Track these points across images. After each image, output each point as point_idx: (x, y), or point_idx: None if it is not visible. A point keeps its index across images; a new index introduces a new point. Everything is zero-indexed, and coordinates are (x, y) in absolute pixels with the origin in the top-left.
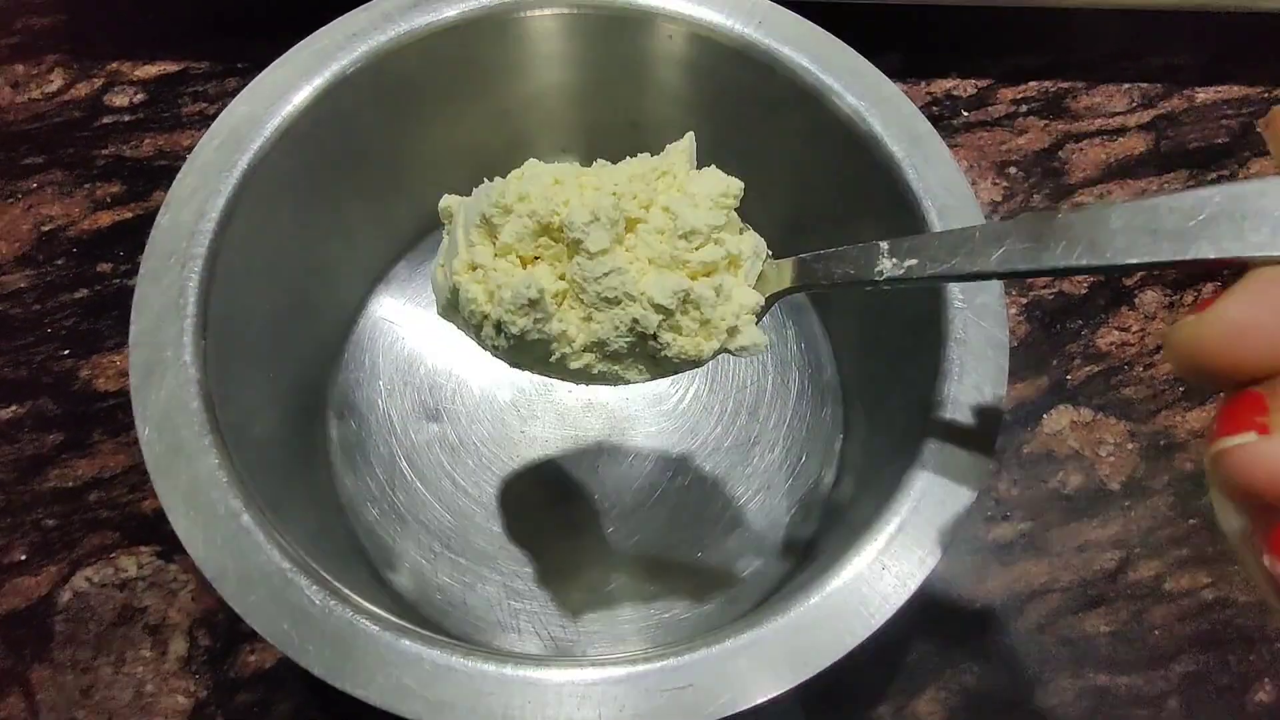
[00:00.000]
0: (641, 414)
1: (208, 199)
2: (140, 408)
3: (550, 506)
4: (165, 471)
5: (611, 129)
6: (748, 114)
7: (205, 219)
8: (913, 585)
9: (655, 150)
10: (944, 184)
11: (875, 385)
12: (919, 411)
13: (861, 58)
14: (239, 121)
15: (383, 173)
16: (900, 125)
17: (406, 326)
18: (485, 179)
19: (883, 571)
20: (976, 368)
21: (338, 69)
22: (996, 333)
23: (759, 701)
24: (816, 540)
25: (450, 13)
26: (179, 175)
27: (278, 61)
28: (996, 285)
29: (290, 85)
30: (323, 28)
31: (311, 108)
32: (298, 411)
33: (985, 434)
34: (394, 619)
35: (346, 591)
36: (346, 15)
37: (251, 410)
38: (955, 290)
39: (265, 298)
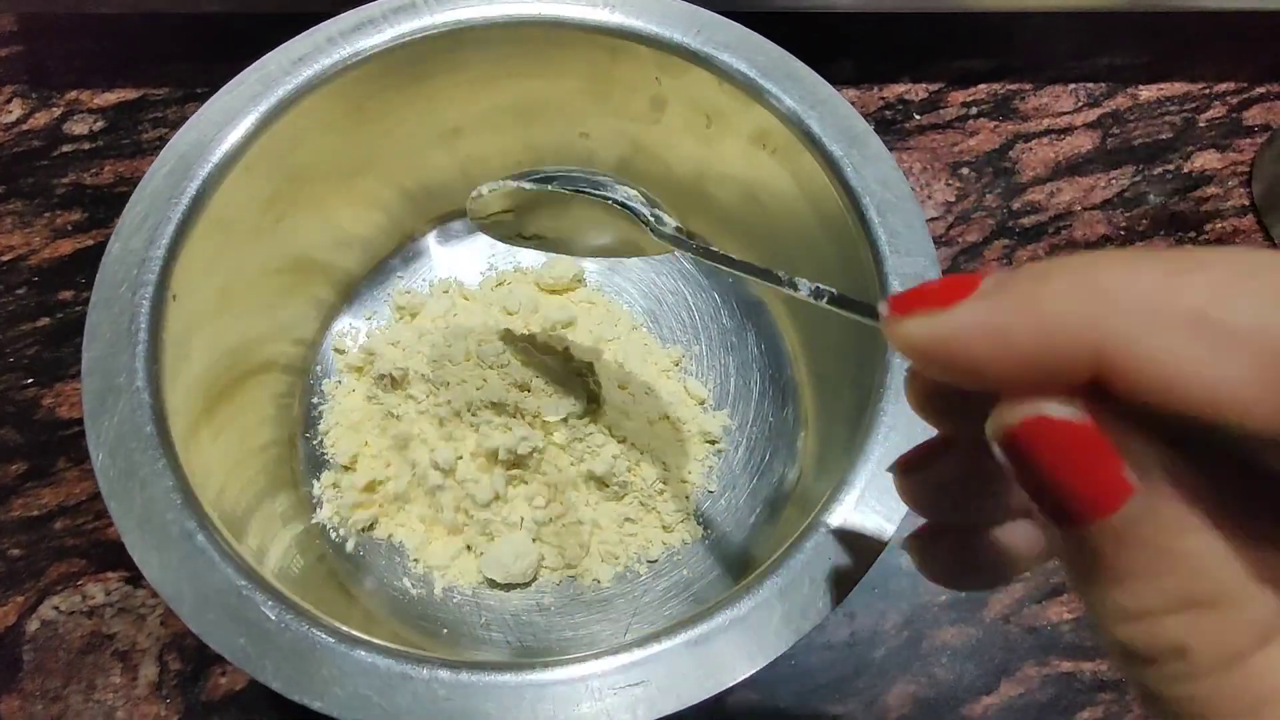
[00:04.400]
0: None
1: (158, 226)
2: (94, 434)
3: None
4: (120, 496)
5: (563, 140)
6: (693, 123)
7: (155, 245)
8: (878, 548)
9: (607, 160)
10: (881, 180)
11: (828, 380)
12: (864, 402)
13: (799, 62)
14: (187, 148)
15: (335, 196)
16: (838, 125)
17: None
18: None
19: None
20: None
21: (284, 94)
22: None
23: (716, 691)
24: (781, 538)
25: (392, 32)
26: (129, 203)
27: (225, 88)
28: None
29: (237, 111)
30: (269, 53)
31: (259, 132)
32: (264, 434)
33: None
34: (350, 630)
35: (304, 605)
36: (292, 40)
37: (214, 434)
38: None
39: (222, 322)
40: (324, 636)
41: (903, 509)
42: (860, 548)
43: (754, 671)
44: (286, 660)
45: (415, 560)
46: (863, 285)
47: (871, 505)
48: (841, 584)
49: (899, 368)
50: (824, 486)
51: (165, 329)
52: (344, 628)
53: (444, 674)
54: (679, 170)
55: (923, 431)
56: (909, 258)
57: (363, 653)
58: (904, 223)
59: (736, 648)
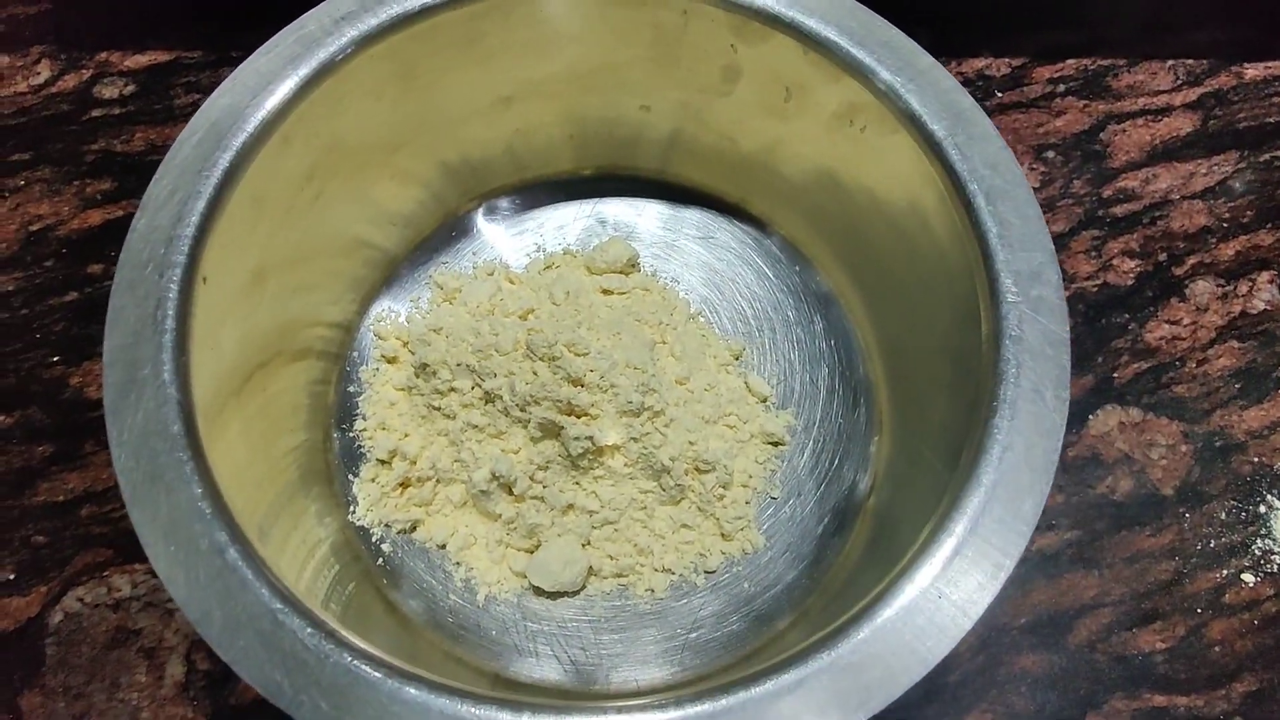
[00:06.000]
0: None
1: (186, 201)
2: (115, 431)
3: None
4: (143, 502)
5: (618, 113)
6: (770, 96)
7: (184, 223)
8: (974, 615)
9: (662, 132)
10: (990, 164)
11: (913, 384)
12: (966, 415)
13: (895, 29)
14: (220, 115)
15: (376, 170)
16: (940, 101)
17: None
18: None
19: (939, 600)
20: (1035, 367)
21: (325, 56)
22: (1056, 329)
23: None
24: (852, 553)
25: None
26: (156, 176)
27: (261, 49)
28: (1054, 276)
29: (274, 75)
30: (309, 11)
31: (298, 98)
32: (297, 426)
33: (1048, 442)
34: (398, 663)
35: (344, 634)
36: None
37: (245, 428)
38: (1008, 282)
39: (254, 306)
40: (369, 670)
41: (1019, 551)
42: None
43: None
44: (326, 696)
45: (457, 564)
46: (966, 282)
47: (985, 545)
48: (931, 652)
49: (1013, 381)
50: (906, 503)
51: (194, 315)
52: (391, 659)
53: (504, 716)
54: (746, 146)
55: (1044, 454)
56: (1023, 252)
57: (413, 690)
58: (1016, 212)
59: (824, 703)
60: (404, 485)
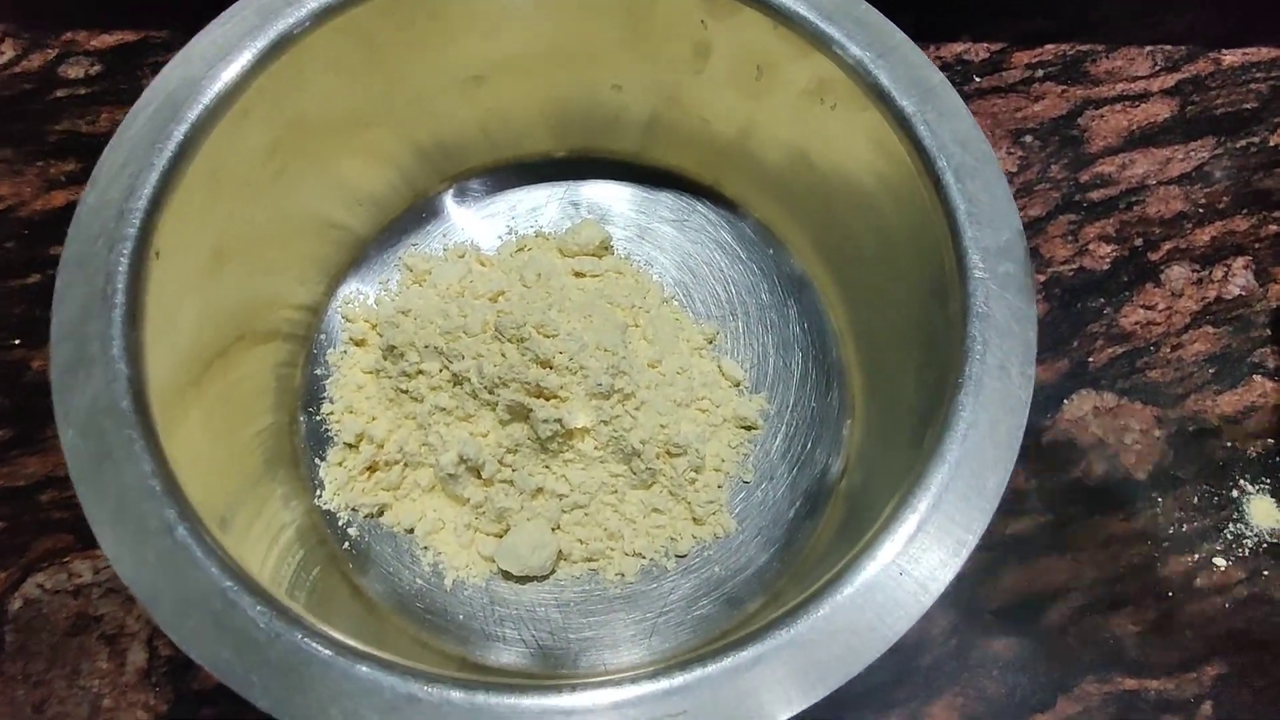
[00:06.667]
0: None
1: (139, 174)
2: (63, 409)
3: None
4: (91, 481)
5: (593, 94)
6: (741, 73)
7: (136, 196)
8: (935, 591)
9: (637, 114)
10: (960, 140)
11: (884, 366)
12: (934, 394)
13: (867, 5)
14: (175, 87)
15: (343, 148)
16: (910, 77)
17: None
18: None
19: (900, 577)
20: (1001, 345)
21: (284, 27)
22: (1022, 305)
23: None
24: (824, 536)
25: None
26: (107, 148)
27: (217, 20)
28: (1021, 252)
29: (231, 46)
30: None
31: (256, 70)
32: (263, 410)
33: (1013, 419)
34: (350, 641)
35: (297, 612)
36: None
37: (207, 412)
38: (976, 259)
39: (215, 285)
40: (321, 649)
41: (981, 527)
42: (928, 577)
43: (807, 705)
44: (277, 676)
45: (425, 549)
46: (935, 260)
47: (948, 521)
48: (891, 629)
49: (979, 357)
50: (877, 485)
51: (147, 291)
52: (344, 639)
53: (457, 695)
54: (719, 128)
55: (1008, 431)
56: (991, 229)
57: (365, 668)
58: (985, 189)
59: (783, 679)
60: (371, 469)
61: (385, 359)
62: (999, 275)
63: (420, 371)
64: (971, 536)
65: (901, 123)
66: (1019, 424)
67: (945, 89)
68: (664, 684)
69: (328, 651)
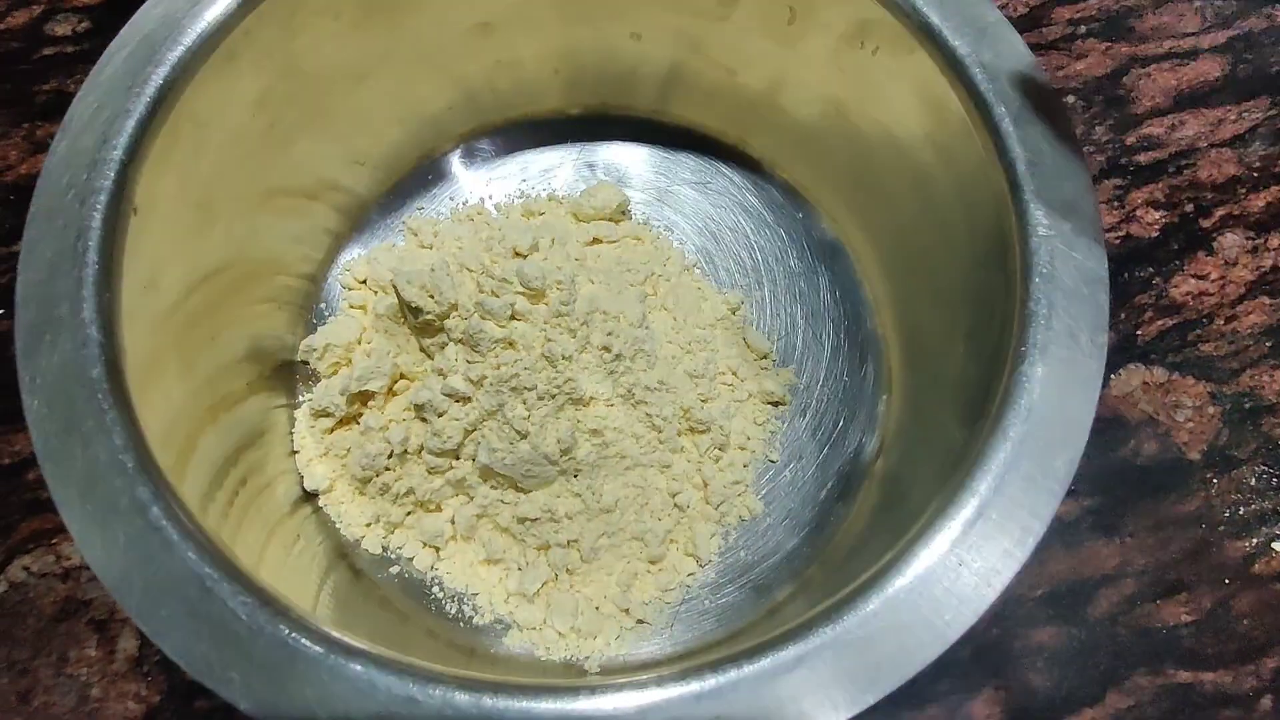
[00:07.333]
0: None
1: (114, 121)
2: (27, 376)
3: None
4: (57, 455)
5: (609, 42)
6: (771, 17)
7: (110, 145)
8: (999, 585)
9: (657, 66)
10: (1019, 84)
11: (927, 336)
12: (988, 366)
13: None
14: (153, 27)
15: (342, 101)
16: (962, 15)
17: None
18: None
19: (959, 568)
20: (1069, 309)
21: None
22: (1093, 266)
23: None
24: (858, 520)
25: None
26: (79, 93)
27: None
28: (1089, 207)
29: None
30: None
31: (243, 10)
32: (248, 375)
33: (1084, 393)
34: (340, 636)
35: (286, 601)
36: None
37: (189, 381)
38: (1039, 215)
39: (201, 245)
40: (309, 644)
41: (1050, 512)
42: (990, 569)
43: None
44: (260, 673)
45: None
46: (990, 218)
47: (1012, 506)
48: (950, 626)
49: (1045, 323)
50: (918, 465)
51: (123, 250)
52: (334, 633)
53: (461, 697)
54: (746, 79)
55: (1079, 405)
56: (1056, 181)
57: (358, 666)
58: (1048, 138)
59: (828, 682)
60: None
61: (391, 319)
62: (1065, 233)
63: (424, 347)
64: (1039, 523)
65: (953, 66)
66: (1091, 398)
67: (1002, 27)
68: (695, 687)
69: (317, 648)
